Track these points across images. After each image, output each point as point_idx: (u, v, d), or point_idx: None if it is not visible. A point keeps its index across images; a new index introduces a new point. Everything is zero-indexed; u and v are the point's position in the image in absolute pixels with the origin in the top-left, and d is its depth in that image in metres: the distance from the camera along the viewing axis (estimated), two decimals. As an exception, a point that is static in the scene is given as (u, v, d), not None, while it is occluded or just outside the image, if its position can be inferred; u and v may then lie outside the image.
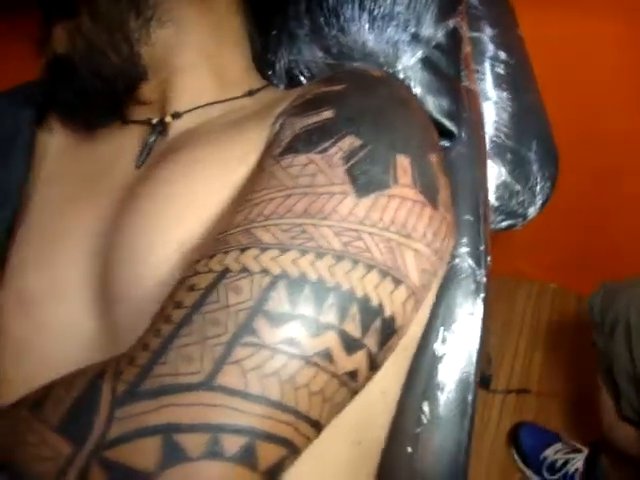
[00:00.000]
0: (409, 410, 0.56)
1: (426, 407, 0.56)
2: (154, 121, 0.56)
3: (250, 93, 0.58)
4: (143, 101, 0.56)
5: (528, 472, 1.41)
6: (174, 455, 0.31)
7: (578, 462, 1.35)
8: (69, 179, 0.57)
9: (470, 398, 0.56)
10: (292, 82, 0.66)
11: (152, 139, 0.55)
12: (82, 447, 0.32)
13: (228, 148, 0.50)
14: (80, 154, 0.59)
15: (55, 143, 0.60)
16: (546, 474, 1.39)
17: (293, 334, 0.34)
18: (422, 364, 0.56)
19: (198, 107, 0.56)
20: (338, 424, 0.42)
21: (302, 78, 0.65)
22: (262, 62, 0.64)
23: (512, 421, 1.44)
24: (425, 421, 0.56)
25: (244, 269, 0.36)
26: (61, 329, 0.50)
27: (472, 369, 0.57)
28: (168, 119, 0.56)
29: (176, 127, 0.56)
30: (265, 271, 0.36)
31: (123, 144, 0.57)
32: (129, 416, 0.33)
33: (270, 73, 0.66)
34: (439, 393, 0.56)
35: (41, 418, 0.35)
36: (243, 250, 0.37)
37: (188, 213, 0.47)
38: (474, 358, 0.57)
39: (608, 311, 1.08)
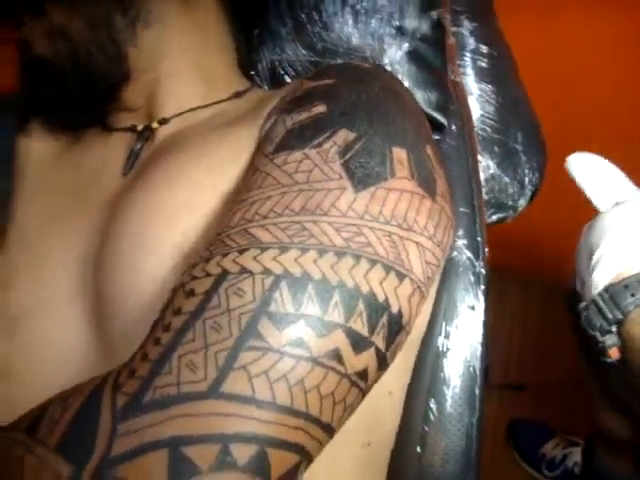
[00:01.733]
0: (416, 408, 0.55)
1: (433, 404, 0.55)
2: (139, 128, 0.55)
3: (237, 95, 0.57)
4: (127, 107, 0.55)
5: (529, 469, 1.40)
6: (183, 469, 0.30)
7: (576, 456, 1.35)
8: (53, 191, 0.55)
9: (477, 392, 0.55)
10: (276, 82, 0.65)
11: (138, 146, 0.54)
12: (84, 468, 0.30)
13: (216, 150, 0.49)
14: (63, 165, 0.57)
15: (35, 155, 0.58)
16: (545, 471, 1.38)
17: (299, 335, 0.33)
18: (426, 360, 0.55)
19: (185, 112, 0.54)
20: (347, 427, 0.41)
21: (286, 77, 0.64)
22: (245, 63, 0.63)
23: (510, 415, 1.43)
24: (433, 418, 0.55)
25: (244, 270, 0.35)
26: (49, 347, 0.48)
27: (477, 363, 0.55)
28: (155, 125, 0.54)
29: (162, 132, 0.54)
30: (267, 271, 0.34)
31: (108, 153, 0.55)
32: (132, 431, 0.31)
33: (253, 74, 0.65)
34: (445, 389, 0.55)
35: (38, 440, 0.32)
36: (242, 251, 0.36)
37: (180, 217, 0.46)
38: (478, 351, 0.56)
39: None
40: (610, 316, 0.50)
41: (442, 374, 0.55)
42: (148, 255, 0.45)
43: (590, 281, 0.54)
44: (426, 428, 0.55)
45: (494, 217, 0.86)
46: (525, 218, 0.89)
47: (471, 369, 0.55)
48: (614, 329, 0.51)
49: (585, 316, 0.53)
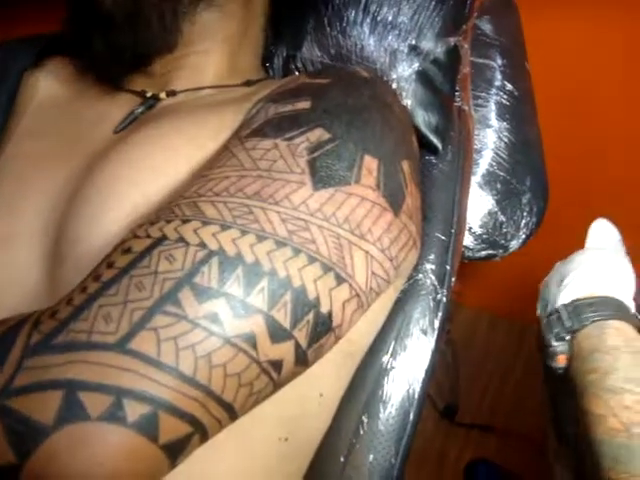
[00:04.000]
0: (348, 419, 0.55)
1: (365, 418, 0.55)
2: (148, 94, 0.56)
3: (247, 83, 0.58)
4: (148, 72, 0.55)
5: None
6: (74, 412, 0.31)
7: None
8: (47, 135, 0.57)
9: (412, 417, 0.55)
10: (287, 76, 0.65)
11: (139, 110, 0.55)
12: None
13: (201, 125, 0.50)
14: (65, 111, 0.59)
15: (38, 99, 0.60)
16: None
17: (217, 311, 0.34)
18: (368, 375, 0.55)
19: (195, 89, 0.55)
20: (267, 417, 0.41)
21: (297, 73, 0.65)
22: (264, 54, 0.64)
23: (473, 457, 1.42)
24: (362, 432, 0.55)
25: (181, 239, 0.35)
26: (5, 277, 0.49)
27: (418, 387, 0.55)
28: (162, 95, 0.55)
29: (166, 102, 0.55)
30: (202, 245, 0.35)
31: (110, 110, 0.57)
32: (36, 367, 0.32)
33: (268, 65, 0.66)
34: (381, 406, 0.55)
35: None
36: (185, 221, 0.36)
37: (147, 179, 0.47)
38: (422, 376, 0.56)
39: None
40: (568, 325, 0.55)
41: (381, 391, 0.55)
42: (108, 210, 0.46)
43: (558, 297, 0.59)
44: (354, 440, 0.55)
45: (483, 253, 0.86)
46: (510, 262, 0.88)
47: (411, 391, 0.55)
48: (568, 338, 0.56)
49: (546, 322, 0.58)
